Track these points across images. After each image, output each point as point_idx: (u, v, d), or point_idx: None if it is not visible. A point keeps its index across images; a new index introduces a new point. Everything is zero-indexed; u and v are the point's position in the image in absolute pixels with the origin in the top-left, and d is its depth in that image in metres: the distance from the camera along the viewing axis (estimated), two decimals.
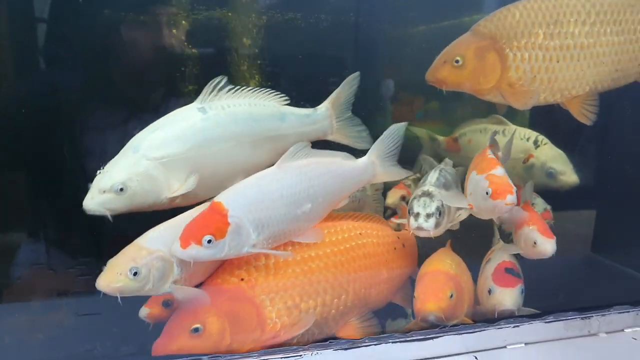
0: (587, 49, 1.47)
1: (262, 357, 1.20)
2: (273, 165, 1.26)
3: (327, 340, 1.27)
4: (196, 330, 1.15)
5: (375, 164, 1.41)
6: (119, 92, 1.60)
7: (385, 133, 1.42)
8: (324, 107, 1.48)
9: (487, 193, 1.32)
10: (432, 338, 1.32)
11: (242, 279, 1.22)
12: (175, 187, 1.23)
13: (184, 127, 1.26)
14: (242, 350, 1.20)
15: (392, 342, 1.28)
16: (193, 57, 1.61)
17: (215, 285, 1.22)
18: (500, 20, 1.48)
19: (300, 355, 1.21)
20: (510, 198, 1.31)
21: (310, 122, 1.44)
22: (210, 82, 1.30)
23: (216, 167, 1.28)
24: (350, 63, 1.81)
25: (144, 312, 1.27)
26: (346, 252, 1.34)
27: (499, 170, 1.39)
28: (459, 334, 1.34)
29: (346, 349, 1.24)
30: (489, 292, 1.44)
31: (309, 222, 1.29)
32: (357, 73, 1.49)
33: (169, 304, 1.27)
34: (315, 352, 1.22)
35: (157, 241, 1.17)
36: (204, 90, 1.30)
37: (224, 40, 1.65)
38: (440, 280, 1.37)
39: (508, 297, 1.41)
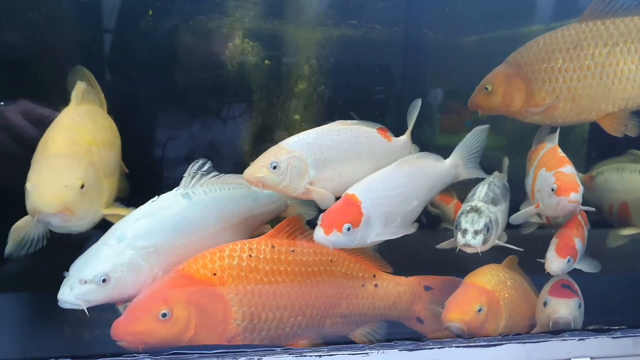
0: (609, 67, 1.56)
1: (332, 352, 1.21)
2: None
3: (393, 341, 1.28)
4: (164, 315, 1.14)
5: (458, 165, 1.50)
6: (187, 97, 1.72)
7: (468, 135, 1.50)
8: None
9: (552, 189, 1.35)
10: (495, 345, 1.30)
11: (215, 274, 1.21)
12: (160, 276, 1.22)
13: (170, 215, 1.26)
14: (202, 343, 1.19)
15: (456, 347, 1.28)
16: (255, 66, 1.74)
17: (188, 274, 1.21)
18: (526, 50, 1.63)
19: (367, 353, 1.22)
20: (574, 196, 1.32)
21: (274, 200, 1.49)
22: (191, 165, 1.33)
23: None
24: (399, 72, 1.90)
25: None
26: (312, 275, 1.33)
27: (567, 168, 1.41)
28: (522, 342, 1.32)
29: (410, 350, 1.26)
30: (544, 304, 1.43)
31: (411, 219, 1.37)
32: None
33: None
34: (381, 350, 1.23)
35: (296, 144, 1.27)
36: (186, 175, 1.32)
37: (283, 50, 1.78)
38: (471, 294, 1.37)
39: (563, 306, 1.39)
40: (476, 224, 1.35)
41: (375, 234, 1.24)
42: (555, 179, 1.37)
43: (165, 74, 1.69)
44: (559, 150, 1.53)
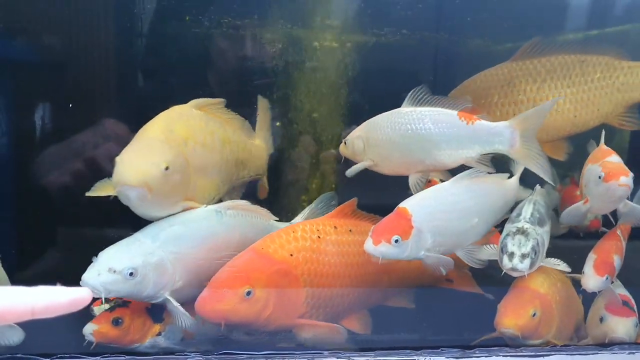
0: (539, 102, 1.72)
1: (379, 358, 1.23)
2: None
3: (440, 348, 1.28)
4: (248, 293, 1.19)
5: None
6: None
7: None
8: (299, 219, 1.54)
9: (599, 177, 1.31)
10: (542, 356, 1.28)
11: (292, 255, 1.27)
12: (179, 285, 1.24)
13: (202, 227, 1.30)
14: (276, 324, 1.24)
15: (503, 355, 1.27)
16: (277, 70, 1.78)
17: (267, 253, 1.26)
18: (466, 87, 1.74)
19: (414, 359, 1.23)
20: (624, 179, 1.28)
21: None
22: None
23: (211, 275, 1.27)
24: (429, 78, 1.92)
25: (91, 328, 1.21)
26: (364, 254, 1.35)
27: (613, 157, 1.40)
28: (571, 354, 1.30)
29: (457, 357, 1.25)
30: (601, 320, 1.39)
31: (474, 236, 1.37)
32: (323, 196, 1.55)
33: (118, 322, 1.24)
34: (428, 358, 1.24)
35: (365, 126, 1.45)
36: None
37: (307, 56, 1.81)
38: (525, 297, 1.34)
39: (621, 325, 1.36)
40: (523, 247, 1.30)
41: (428, 247, 1.26)
42: (602, 167, 1.33)
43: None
44: (604, 145, 1.51)
